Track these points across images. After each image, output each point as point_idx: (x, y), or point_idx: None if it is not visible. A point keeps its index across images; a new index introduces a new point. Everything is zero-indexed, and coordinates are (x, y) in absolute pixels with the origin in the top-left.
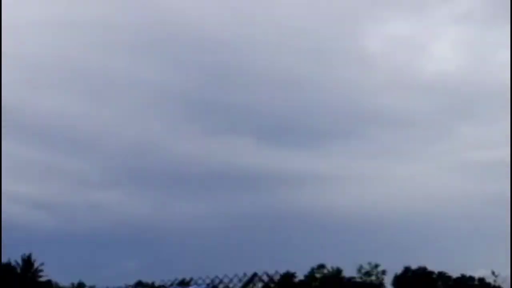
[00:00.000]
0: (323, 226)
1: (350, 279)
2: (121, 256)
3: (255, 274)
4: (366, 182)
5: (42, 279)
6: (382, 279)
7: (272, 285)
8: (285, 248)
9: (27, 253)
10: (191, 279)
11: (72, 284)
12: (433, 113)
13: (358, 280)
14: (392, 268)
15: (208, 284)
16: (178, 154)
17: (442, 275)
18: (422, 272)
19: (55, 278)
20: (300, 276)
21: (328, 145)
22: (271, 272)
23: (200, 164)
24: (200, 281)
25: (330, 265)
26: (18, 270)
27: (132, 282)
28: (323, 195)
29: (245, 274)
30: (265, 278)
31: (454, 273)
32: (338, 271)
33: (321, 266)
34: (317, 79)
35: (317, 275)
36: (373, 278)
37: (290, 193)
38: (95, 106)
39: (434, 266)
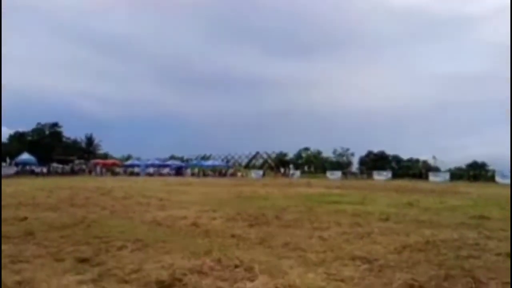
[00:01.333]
0: (309, 119)
1: (327, 158)
2: (159, 137)
3: (257, 153)
4: (343, 87)
5: (100, 151)
6: (351, 160)
7: (269, 161)
8: (279, 135)
9: (88, 133)
10: (210, 155)
11: (123, 155)
12: (403, 35)
13: (334, 159)
14: (359, 151)
15: (223, 159)
16: (203, 61)
17: (395, 158)
18: (381, 155)
19: (110, 151)
20: (290, 155)
21: (315, 57)
22: (269, 151)
23: (218, 69)
24: (217, 157)
25: (313, 148)
26: (83, 145)
27: (167, 156)
28: (309, 95)
29: (250, 153)
30: (265, 156)
31: (405, 156)
32: (319, 153)
33: (306, 149)
34: (312, 8)
35: (303, 155)
36: (344, 158)
37: (285, 93)
38: (152, 27)
39: (390, 151)
